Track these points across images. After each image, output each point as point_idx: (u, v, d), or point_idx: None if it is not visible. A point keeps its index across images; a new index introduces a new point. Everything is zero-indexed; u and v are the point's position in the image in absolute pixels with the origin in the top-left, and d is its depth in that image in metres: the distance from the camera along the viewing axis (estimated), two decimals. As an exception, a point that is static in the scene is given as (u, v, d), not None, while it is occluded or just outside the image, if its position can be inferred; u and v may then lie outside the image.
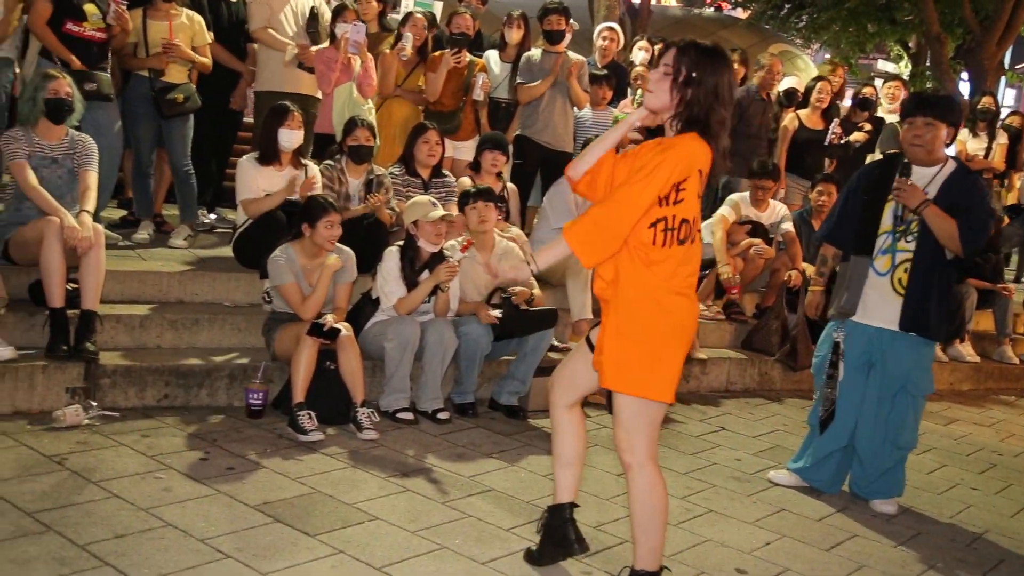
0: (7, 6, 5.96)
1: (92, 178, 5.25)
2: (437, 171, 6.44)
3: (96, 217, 5.78)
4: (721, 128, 3.14)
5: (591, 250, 3.12)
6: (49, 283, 4.77)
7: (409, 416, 5.22)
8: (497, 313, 5.50)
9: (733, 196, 7.52)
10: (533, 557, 3.69)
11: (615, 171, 3.30)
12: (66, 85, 5.17)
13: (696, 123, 3.12)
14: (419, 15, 7.03)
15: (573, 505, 3.64)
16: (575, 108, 7.43)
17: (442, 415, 5.31)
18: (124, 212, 7.08)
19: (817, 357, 5.06)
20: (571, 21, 7.40)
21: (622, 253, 3.17)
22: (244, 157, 5.92)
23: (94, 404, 4.69)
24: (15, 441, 4.30)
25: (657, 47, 8.54)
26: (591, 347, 3.42)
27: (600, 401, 5.87)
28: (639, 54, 8.63)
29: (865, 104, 9.06)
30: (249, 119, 7.71)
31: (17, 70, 6.41)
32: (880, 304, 4.69)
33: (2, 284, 4.71)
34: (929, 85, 15.84)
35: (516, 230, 6.46)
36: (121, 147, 6.42)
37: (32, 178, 5.01)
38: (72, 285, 4.92)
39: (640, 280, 3.16)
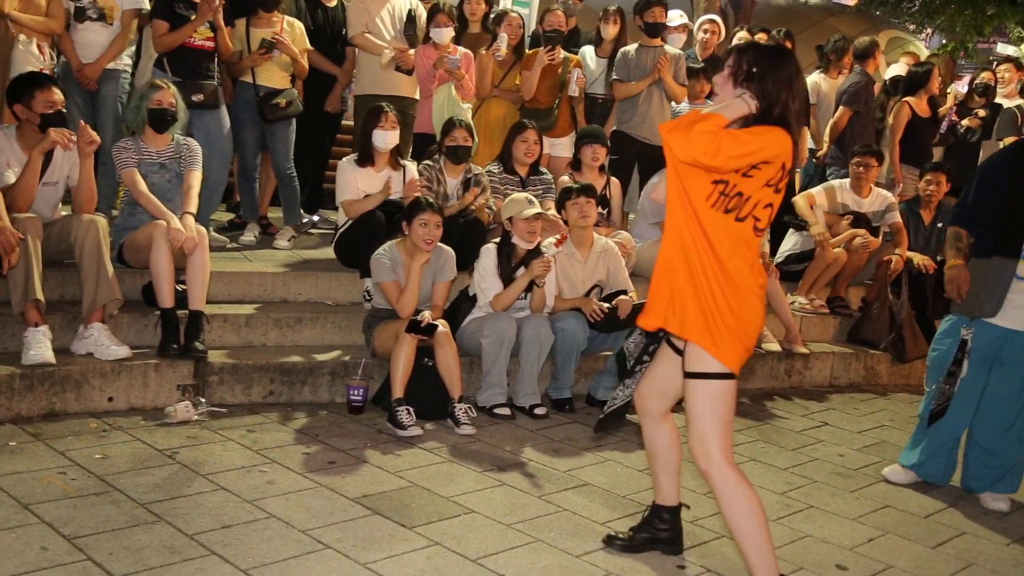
0: (123, 22, 6.25)
1: (196, 177, 5.43)
2: (535, 169, 6.47)
3: (206, 220, 6.02)
4: (797, 120, 3.12)
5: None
6: (159, 284, 4.98)
7: (506, 412, 5.26)
8: (605, 306, 5.51)
9: (831, 181, 7.35)
10: (624, 545, 3.70)
11: None
12: (170, 96, 5.37)
13: (767, 117, 3.08)
14: (514, 14, 7.07)
15: (684, 506, 3.76)
16: (672, 102, 7.36)
17: (539, 410, 5.34)
18: (232, 215, 7.32)
19: (936, 351, 4.83)
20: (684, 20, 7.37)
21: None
22: (344, 159, 6.06)
23: (203, 400, 4.87)
24: (130, 436, 4.50)
25: (759, 37, 8.42)
26: (674, 349, 3.37)
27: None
28: (739, 46, 8.50)
29: (983, 90, 8.73)
30: (348, 122, 7.88)
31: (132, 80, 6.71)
32: (1021, 308, 4.47)
33: (118, 286, 4.92)
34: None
35: (624, 234, 6.44)
36: (231, 152, 6.62)
37: (142, 185, 5.23)
38: (181, 286, 5.12)
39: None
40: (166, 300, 4.98)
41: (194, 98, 6.02)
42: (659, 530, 3.71)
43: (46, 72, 5.61)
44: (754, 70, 3.09)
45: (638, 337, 3.49)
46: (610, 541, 3.73)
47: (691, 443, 3.20)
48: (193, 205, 5.31)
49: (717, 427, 3.16)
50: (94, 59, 6.17)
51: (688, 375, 3.19)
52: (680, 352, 3.31)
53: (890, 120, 8.24)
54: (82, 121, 5.16)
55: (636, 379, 3.51)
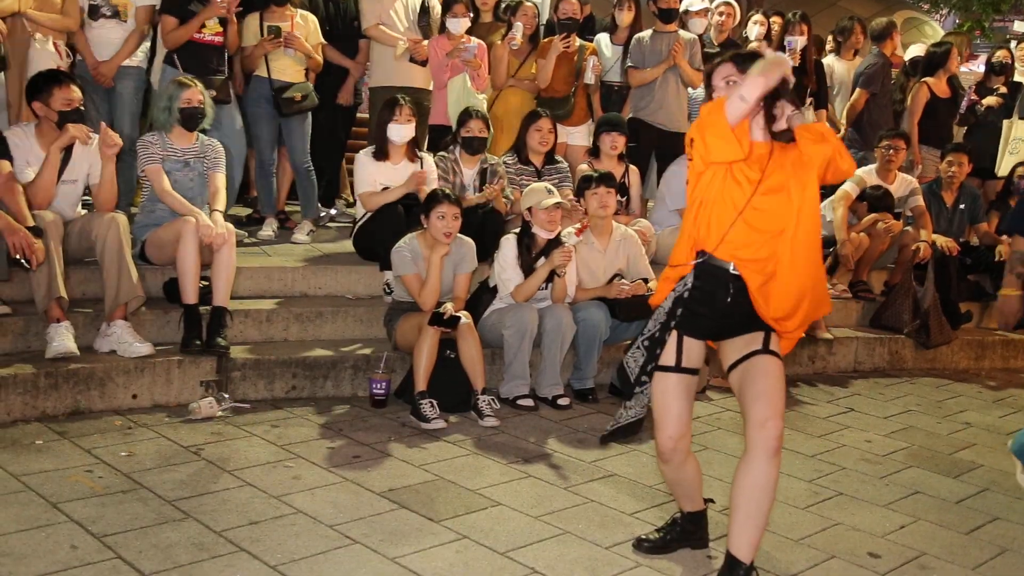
0: (137, 18, 6.24)
1: (221, 180, 5.45)
2: (550, 158, 6.43)
3: (224, 216, 6.00)
4: None
5: None
6: (185, 280, 4.97)
7: (529, 403, 5.24)
8: (626, 285, 5.49)
9: (858, 171, 7.27)
10: (653, 547, 3.65)
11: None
12: (198, 93, 5.36)
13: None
14: (528, 3, 7.02)
15: (710, 502, 3.72)
16: (688, 87, 7.30)
17: (562, 401, 5.31)
18: (249, 211, 7.31)
19: None
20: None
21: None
22: (361, 152, 6.04)
23: (226, 396, 4.87)
24: (155, 433, 4.50)
25: (773, 20, 8.34)
26: (689, 371, 3.33)
27: (724, 384, 5.80)
28: (755, 29, 8.40)
29: (1000, 69, 8.63)
30: (364, 114, 7.85)
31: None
32: None
33: (140, 284, 4.92)
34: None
35: (644, 222, 6.40)
36: (244, 147, 6.60)
37: (166, 182, 5.22)
38: (203, 282, 5.11)
39: None
40: (191, 296, 4.98)
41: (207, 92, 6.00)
42: (688, 531, 3.66)
43: (62, 70, 5.59)
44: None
45: (636, 352, 3.41)
46: (639, 544, 3.67)
47: (772, 424, 3.12)
48: (221, 204, 5.32)
49: None
50: (109, 57, 6.16)
51: (775, 354, 3.24)
52: (688, 371, 3.32)
53: (909, 101, 8.16)
54: (104, 123, 5.14)
55: (644, 397, 3.43)
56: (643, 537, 3.69)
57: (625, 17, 7.33)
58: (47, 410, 4.55)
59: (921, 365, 6.99)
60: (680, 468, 3.45)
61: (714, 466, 4.58)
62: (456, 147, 6.17)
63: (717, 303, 3.25)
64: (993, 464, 4.99)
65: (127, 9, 6.19)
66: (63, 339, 4.64)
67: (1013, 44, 10.26)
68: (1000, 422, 5.84)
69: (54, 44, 5.99)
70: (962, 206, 7.64)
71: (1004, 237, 7.61)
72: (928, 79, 8.05)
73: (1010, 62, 8.72)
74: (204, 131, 5.62)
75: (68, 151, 5.03)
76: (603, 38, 7.46)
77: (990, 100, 8.26)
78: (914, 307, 6.94)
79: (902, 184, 7.27)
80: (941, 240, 7.13)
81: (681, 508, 3.66)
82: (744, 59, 3.24)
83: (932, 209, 7.34)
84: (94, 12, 6.12)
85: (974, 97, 8.32)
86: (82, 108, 5.04)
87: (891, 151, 7.15)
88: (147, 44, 6.52)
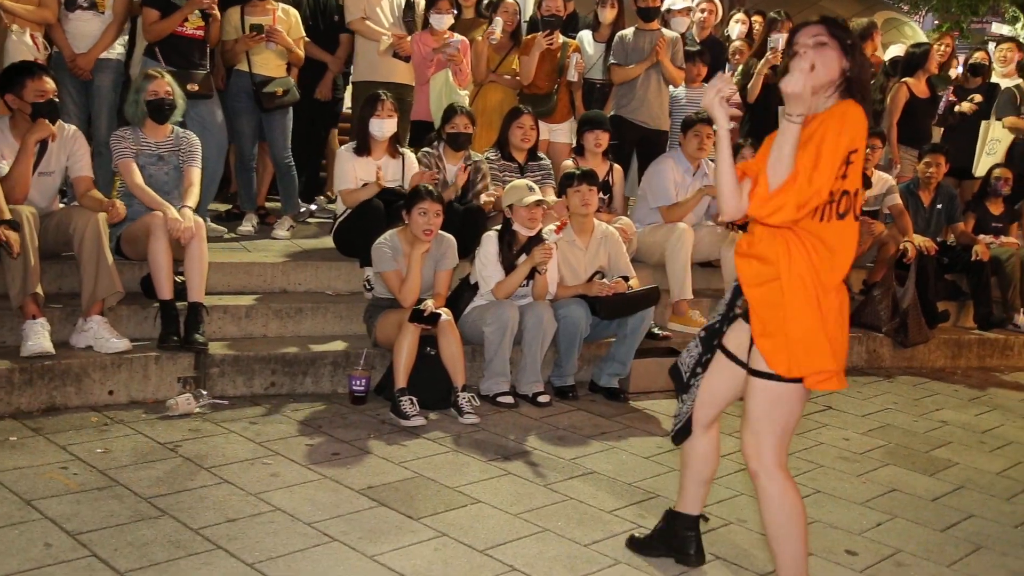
0: (115, 10, 6.18)
1: (195, 174, 5.41)
2: (532, 154, 6.42)
3: (203, 211, 5.97)
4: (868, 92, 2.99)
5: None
6: (157, 276, 4.94)
7: (509, 400, 5.23)
8: (607, 283, 5.48)
9: None
10: (639, 545, 3.63)
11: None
12: (165, 84, 5.32)
13: (853, 91, 2.92)
14: (510, 0, 7.01)
15: (702, 518, 3.56)
16: (670, 86, 7.31)
17: (542, 398, 5.31)
18: (229, 206, 7.26)
19: None
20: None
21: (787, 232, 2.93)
22: (342, 147, 6.02)
23: (204, 393, 4.83)
24: (132, 429, 4.46)
25: (755, 19, 8.36)
26: (727, 354, 3.20)
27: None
28: (736, 27, 8.44)
29: (977, 70, 8.70)
30: (346, 110, 7.81)
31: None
32: None
33: (118, 278, 4.88)
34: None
35: (625, 220, 6.40)
36: (227, 141, 6.55)
37: (138, 176, 5.18)
38: (180, 278, 5.07)
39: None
40: (165, 292, 4.94)
41: (188, 87, 5.96)
42: (679, 538, 3.53)
43: (40, 62, 5.54)
44: (849, 42, 2.92)
45: (693, 348, 3.31)
46: (636, 545, 3.61)
47: (744, 438, 3.07)
48: (193, 200, 5.27)
49: (773, 430, 3.02)
50: (86, 49, 6.09)
51: (753, 372, 3.04)
52: (735, 359, 3.17)
53: (888, 101, 8.21)
54: (119, 201, 5.04)
55: (694, 393, 3.31)
56: (637, 536, 3.65)
57: (608, 14, 7.34)
58: (22, 406, 4.50)
59: (898, 363, 7.03)
60: (696, 440, 3.35)
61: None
62: (440, 143, 6.15)
63: None
64: (969, 462, 5.03)
65: (104, 0, 6.12)
66: (39, 338, 4.60)
67: (991, 46, 10.34)
68: (976, 420, 5.88)
69: (31, 36, 5.92)
70: (939, 206, 7.69)
71: (980, 237, 7.71)
72: (907, 79, 8.10)
73: (987, 63, 8.79)
74: (183, 124, 5.57)
75: (44, 143, 4.98)
76: (586, 35, 7.47)
77: (966, 107, 8.32)
78: (893, 306, 6.98)
79: (879, 182, 7.31)
80: (919, 240, 7.18)
81: (676, 504, 3.53)
82: (836, 22, 2.99)
83: (909, 208, 7.39)
84: (71, 3, 6.04)
85: (952, 98, 8.38)
86: (56, 99, 4.99)
87: (868, 150, 7.18)
88: (125, 37, 6.46)
